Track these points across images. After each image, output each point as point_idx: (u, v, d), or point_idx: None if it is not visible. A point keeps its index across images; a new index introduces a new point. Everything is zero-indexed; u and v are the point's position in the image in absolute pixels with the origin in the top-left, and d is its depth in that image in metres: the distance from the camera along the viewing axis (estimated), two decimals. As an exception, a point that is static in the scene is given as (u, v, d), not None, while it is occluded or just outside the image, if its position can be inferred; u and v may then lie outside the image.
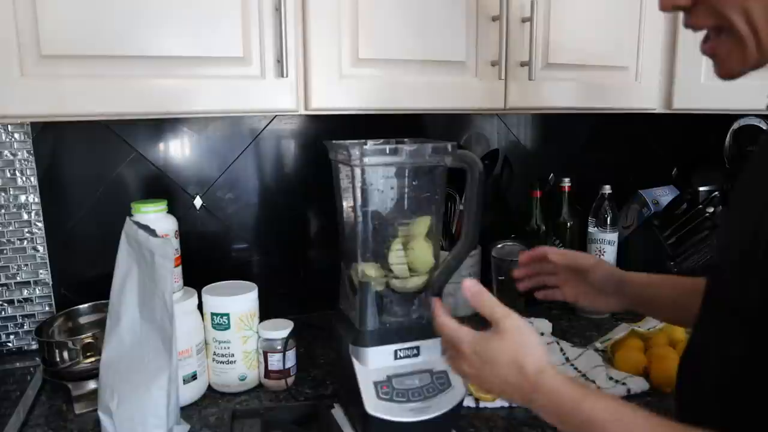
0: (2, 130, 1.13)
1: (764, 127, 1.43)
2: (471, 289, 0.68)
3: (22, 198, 1.16)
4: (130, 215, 0.98)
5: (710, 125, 1.47)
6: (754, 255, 0.52)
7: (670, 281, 0.89)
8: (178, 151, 1.28)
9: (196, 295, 1.06)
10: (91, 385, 1.01)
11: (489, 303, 0.67)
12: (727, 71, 0.58)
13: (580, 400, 0.59)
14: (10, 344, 1.19)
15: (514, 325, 0.65)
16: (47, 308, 1.21)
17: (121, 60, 0.85)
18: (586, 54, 1.15)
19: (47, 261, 1.20)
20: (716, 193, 1.41)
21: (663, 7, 0.60)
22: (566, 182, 1.47)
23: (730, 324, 0.59)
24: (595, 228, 1.45)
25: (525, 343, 0.64)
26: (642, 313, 0.90)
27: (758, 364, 0.53)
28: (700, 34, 0.61)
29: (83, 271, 1.22)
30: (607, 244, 1.45)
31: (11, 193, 1.15)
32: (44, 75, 0.81)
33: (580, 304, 0.98)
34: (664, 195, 1.57)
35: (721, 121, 1.44)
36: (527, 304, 1.34)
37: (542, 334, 1.21)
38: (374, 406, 0.78)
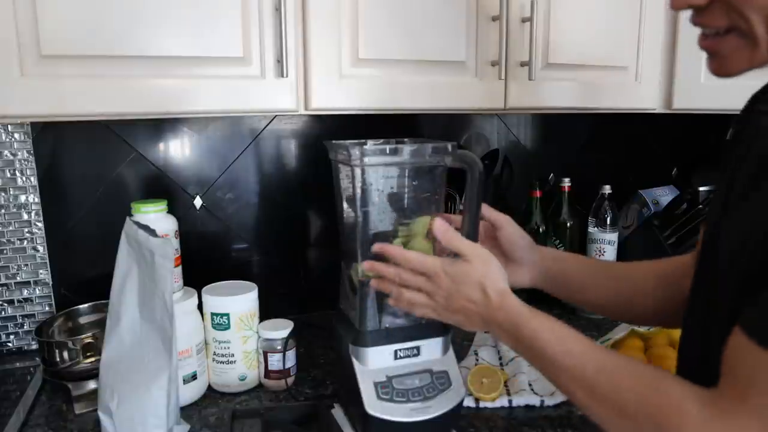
0: (2, 130, 1.13)
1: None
2: (440, 228, 0.74)
3: (22, 198, 1.16)
4: (130, 215, 0.98)
5: (710, 125, 1.47)
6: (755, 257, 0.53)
7: (578, 259, 0.92)
8: (178, 151, 1.28)
9: (196, 295, 1.06)
10: (91, 385, 1.01)
11: (457, 238, 0.74)
12: (727, 70, 0.58)
13: (530, 317, 0.68)
14: (10, 344, 1.19)
15: (479, 254, 0.73)
16: (47, 308, 1.21)
17: (120, 60, 0.85)
18: (586, 54, 1.15)
19: (47, 261, 1.20)
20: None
21: (675, 4, 0.59)
22: (566, 182, 1.47)
23: (711, 321, 0.59)
24: (595, 228, 1.45)
25: (489, 269, 0.72)
26: (551, 293, 0.88)
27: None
28: (699, 31, 0.60)
29: (83, 271, 1.22)
30: (607, 244, 1.45)
31: (11, 193, 1.15)
32: (44, 75, 0.81)
33: None
34: (664, 195, 1.57)
35: (721, 121, 1.43)
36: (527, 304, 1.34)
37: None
38: (374, 406, 0.78)
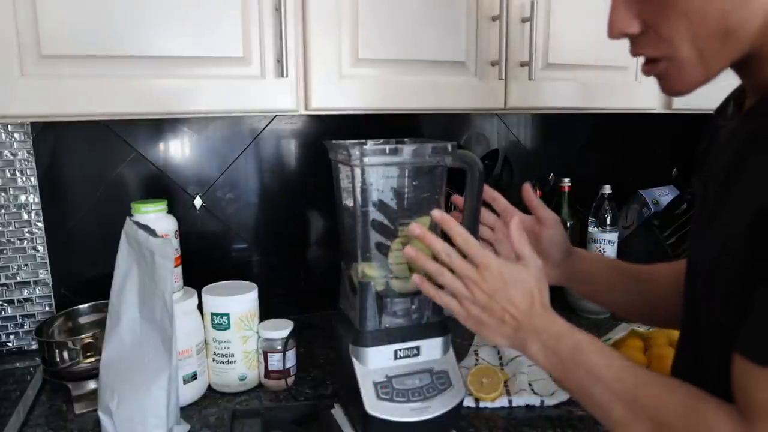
0: (2, 130, 1.13)
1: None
2: (516, 229, 0.73)
3: (22, 198, 1.16)
4: (130, 215, 0.98)
5: (709, 123, 1.47)
6: (730, 279, 0.54)
7: (604, 260, 0.92)
8: (178, 151, 1.28)
9: (196, 295, 1.06)
10: (91, 385, 1.01)
11: (523, 241, 0.73)
12: (675, 90, 0.60)
13: (574, 330, 0.67)
14: (10, 344, 1.19)
15: (538, 264, 0.72)
16: (47, 308, 1.21)
17: (121, 60, 0.85)
18: (586, 54, 1.15)
19: (47, 261, 1.20)
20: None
21: (611, 34, 0.62)
22: (566, 182, 1.47)
23: (706, 340, 0.60)
24: (595, 228, 1.46)
25: (542, 283, 0.71)
26: (576, 291, 0.90)
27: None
28: None
29: (83, 271, 1.22)
30: (607, 244, 1.45)
31: (11, 193, 1.15)
32: (44, 75, 0.82)
33: None
34: (664, 195, 1.57)
35: (721, 121, 1.44)
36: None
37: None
38: (374, 406, 0.78)
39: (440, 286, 0.73)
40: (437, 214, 0.73)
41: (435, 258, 0.72)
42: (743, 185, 0.53)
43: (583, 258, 0.88)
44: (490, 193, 0.87)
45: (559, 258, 0.85)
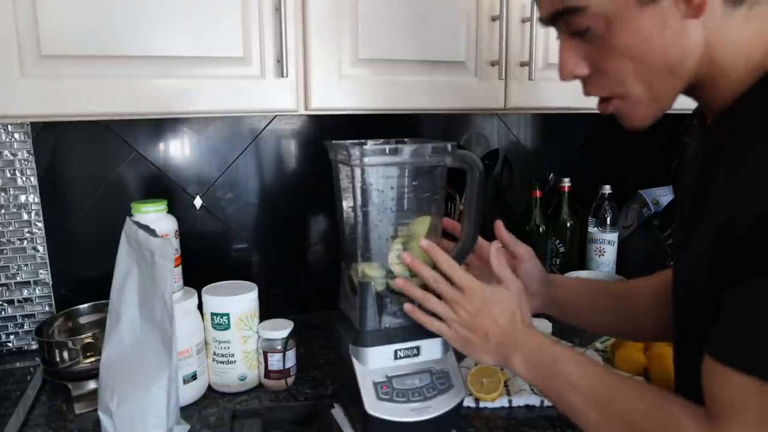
0: (2, 130, 1.13)
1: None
2: (495, 254, 0.79)
3: (22, 198, 1.16)
4: (130, 215, 0.98)
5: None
6: (703, 293, 0.56)
7: (583, 284, 0.95)
8: (178, 151, 1.28)
9: (196, 295, 1.06)
10: (91, 385, 1.01)
11: (503, 266, 0.79)
12: (633, 126, 0.64)
13: (552, 343, 0.72)
14: (10, 344, 1.19)
15: (520, 287, 0.78)
16: (47, 308, 1.21)
17: (121, 60, 0.85)
18: (586, 54, 1.14)
19: (47, 261, 1.20)
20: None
21: (562, 77, 0.66)
22: (566, 182, 1.47)
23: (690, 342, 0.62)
24: (595, 228, 1.46)
25: (524, 303, 0.77)
26: (558, 318, 0.93)
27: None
28: None
29: (83, 271, 1.22)
30: (607, 244, 1.45)
31: (11, 193, 1.15)
32: (44, 75, 0.82)
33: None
34: (664, 195, 1.57)
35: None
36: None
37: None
38: (374, 406, 0.78)
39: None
40: (424, 243, 0.78)
41: (425, 286, 0.78)
42: (711, 199, 0.55)
43: (561, 285, 0.91)
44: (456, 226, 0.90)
45: (536, 289, 0.88)
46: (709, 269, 0.54)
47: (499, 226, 0.88)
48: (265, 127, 1.33)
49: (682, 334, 0.65)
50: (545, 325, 1.26)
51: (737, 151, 0.54)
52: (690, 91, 0.62)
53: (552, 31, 1.11)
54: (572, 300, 0.90)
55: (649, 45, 0.58)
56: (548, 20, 0.66)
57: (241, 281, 1.11)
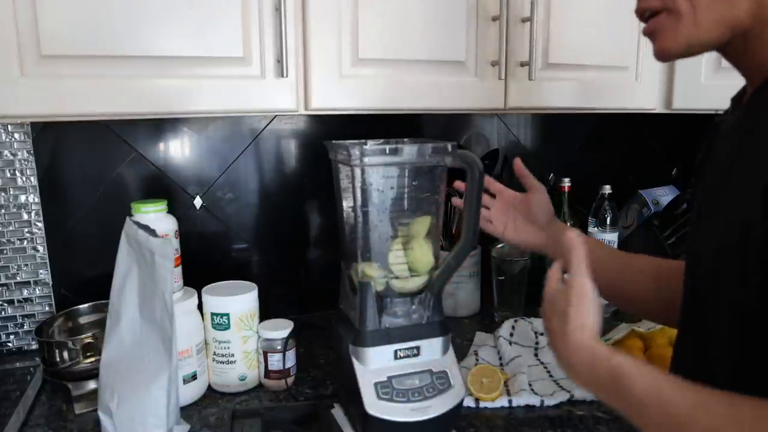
0: (2, 130, 1.13)
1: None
2: (576, 246, 0.68)
3: (22, 198, 1.16)
4: (130, 215, 0.98)
5: (710, 125, 1.47)
6: (743, 247, 0.53)
7: (600, 245, 0.98)
8: (178, 151, 1.28)
9: (196, 295, 1.06)
10: (91, 385, 1.01)
11: (582, 264, 0.68)
12: (665, 49, 0.63)
13: (611, 354, 0.59)
14: (10, 344, 1.19)
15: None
16: (47, 308, 1.21)
17: (121, 60, 0.85)
18: (586, 54, 1.15)
19: (47, 261, 1.20)
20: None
21: None
22: (566, 182, 1.46)
23: (717, 328, 0.59)
24: (595, 228, 1.45)
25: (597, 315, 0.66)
26: (552, 256, 0.89)
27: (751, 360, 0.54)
28: None
29: (83, 271, 1.22)
30: (607, 244, 1.45)
31: (11, 193, 1.15)
32: (44, 75, 0.81)
33: (505, 237, 0.99)
34: (664, 195, 1.57)
35: (721, 121, 1.44)
36: (527, 304, 1.34)
37: (542, 334, 1.21)
38: (374, 406, 0.78)
39: None
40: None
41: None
42: (748, 163, 0.54)
43: (562, 225, 0.96)
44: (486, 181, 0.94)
45: (544, 220, 0.95)
46: (758, 235, 0.51)
47: (518, 162, 0.98)
48: (265, 127, 1.33)
49: (694, 320, 0.62)
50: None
51: None
52: (734, 45, 0.60)
53: (552, 31, 1.12)
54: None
55: None
56: None
57: (241, 281, 1.11)
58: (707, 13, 0.59)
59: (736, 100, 0.68)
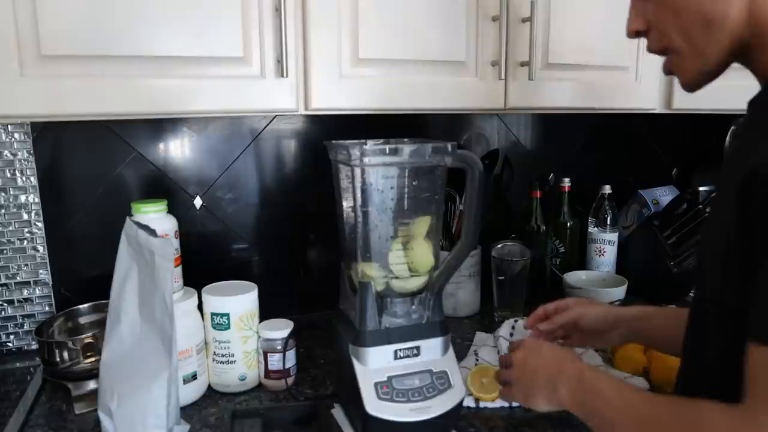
0: (2, 130, 1.13)
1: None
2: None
3: (22, 198, 1.16)
4: (130, 215, 0.98)
5: (710, 125, 1.47)
6: (727, 253, 0.55)
7: (663, 312, 0.92)
8: (178, 151, 1.28)
9: (196, 295, 1.06)
10: (91, 385, 1.01)
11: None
12: (685, 83, 0.66)
13: (596, 374, 0.70)
14: (10, 344, 1.19)
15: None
16: (47, 308, 1.21)
17: (121, 60, 0.85)
18: (586, 54, 1.15)
19: (47, 261, 1.20)
20: (716, 193, 1.41)
21: (628, 34, 0.69)
22: (566, 182, 1.47)
23: (707, 322, 0.61)
24: (595, 228, 1.46)
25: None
26: (645, 344, 0.96)
27: (734, 361, 0.54)
28: None
29: (83, 271, 1.22)
30: (607, 244, 1.45)
31: (11, 193, 1.15)
32: (44, 75, 0.81)
33: (594, 348, 1.04)
34: (664, 195, 1.57)
35: (721, 121, 1.44)
36: (527, 304, 1.34)
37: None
38: (374, 406, 0.78)
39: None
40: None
41: None
42: (737, 160, 0.56)
43: (634, 317, 0.89)
44: (530, 323, 0.97)
45: (608, 326, 0.90)
46: (733, 233, 0.52)
47: (531, 322, 0.97)
48: (265, 127, 1.33)
49: (693, 317, 0.64)
50: (591, 354, 1.22)
51: None
52: (742, 56, 0.62)
53: (552, 31, 1.12)
54: (655, 329, 0.87)
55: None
56: None
57: (241, 281, 1.11)
58: (703, 43, 0.61)
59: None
